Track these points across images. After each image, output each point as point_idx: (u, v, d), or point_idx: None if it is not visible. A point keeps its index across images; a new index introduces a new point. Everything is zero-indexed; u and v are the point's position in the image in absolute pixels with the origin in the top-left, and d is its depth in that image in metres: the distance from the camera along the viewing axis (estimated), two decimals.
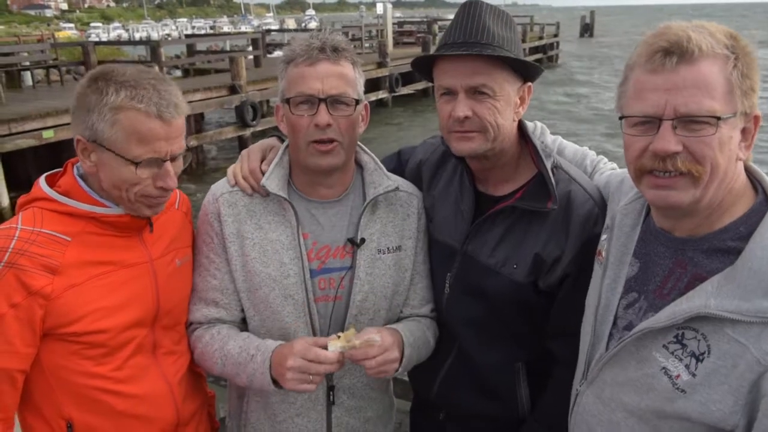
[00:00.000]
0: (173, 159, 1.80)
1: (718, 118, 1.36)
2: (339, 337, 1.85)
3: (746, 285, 1.37)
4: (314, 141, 1.90)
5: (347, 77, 1.92)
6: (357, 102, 1.95)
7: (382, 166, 2.13)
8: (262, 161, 2.10)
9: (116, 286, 1.81)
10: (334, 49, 1.89)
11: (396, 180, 2.12)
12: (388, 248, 2.08)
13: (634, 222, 1.71)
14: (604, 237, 1.80)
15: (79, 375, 1.79)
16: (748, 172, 1.52)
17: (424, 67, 1.99)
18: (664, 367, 1.49)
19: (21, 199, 1.83)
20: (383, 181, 2.08)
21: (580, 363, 1.80)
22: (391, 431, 2.37)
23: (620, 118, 1.52)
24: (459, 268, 2.09)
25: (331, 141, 1.91)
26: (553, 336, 2.04)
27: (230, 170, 2.11)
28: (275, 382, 1.90)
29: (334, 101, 1.89)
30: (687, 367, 1.45)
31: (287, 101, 1.92)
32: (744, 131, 1.44)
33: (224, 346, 1.99)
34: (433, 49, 1.94)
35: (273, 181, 1.98)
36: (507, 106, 1.88)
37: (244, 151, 2.16)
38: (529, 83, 1.95)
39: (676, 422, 1.49)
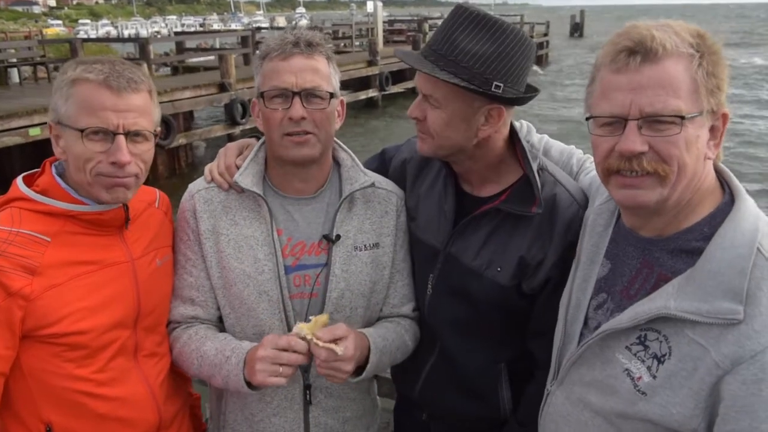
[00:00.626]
0: (130, 135, 1.74)
1: (683, 118, 1.36)
2: (309, 320, 1.84)
3: (705, 286, 1.36)
4: (288, 134, 1.91)
5: (321, 71, 1.93)
6: (332, 96, 1.95)
7: (359, 162, 2.13)
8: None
9: (97, 286, 1.78)
10: (308, 44, 1.90)
11: (372, 176, 2.11)
12: (365, 245, 2.07)
13: (607, 222, 1.71)
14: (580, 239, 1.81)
15: (59, 377, 1.76)
16: (717, 171, 1.52)
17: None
18: (626, 369, 1.49)
19: None
20: (360, 177, 2.07)
21: (552, 363, 1.81)
22: None
23: (587, 119, 1.51)
24: (441, 269, 2.08)
25: (306, 133, 1.91)
26: (532, 337, 2.05)
27: (207, 167, 2.12)
28: (250, 385, 1.89)
29: (308, 95, 1.89)
30: (648, 368, 1.44)
31: (262, 95, 1.93)
32: (712, 130, 1.43)
33: (201, 347, 1.98)
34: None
35: (247, 177, 1.98)
36: (457, 119, 1.86)
37: (221, 149, 2.17)
38: (499, 106, 1.85)
39: (639, 424, 1.48)
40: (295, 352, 1.80)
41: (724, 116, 1.43)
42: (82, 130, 1.69)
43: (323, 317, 1.86)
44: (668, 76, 1.36)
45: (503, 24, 1.81)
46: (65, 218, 1.76)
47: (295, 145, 1.92)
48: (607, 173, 1.48)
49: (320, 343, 1.79)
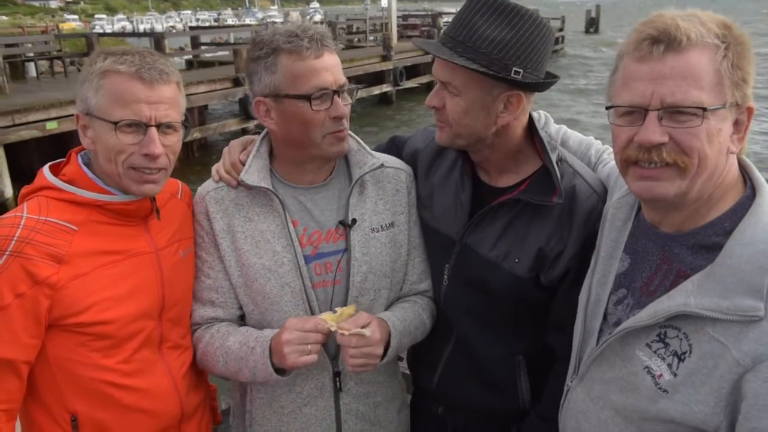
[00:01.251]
0: (161, 127, 1.76)
1: (705, 109, 1.33)
2: (336, 312, 1.86)
3: (725, 282, 1.34)
4: (330, 133, 1.92)
5: (340, 65, 1.94)
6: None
7: (365, 145, 2.13)
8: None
9: (122, 276, 1.79)
10: (324, 39, 1.89)
11: (380, 157, 2.11)
12: (381, 226, 2.08)
13: (626, 216, 1.69)
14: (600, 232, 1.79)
15: (85, 367, 1.77)
16: (740, 165, 1.49)
17: None
18: (647, 366, 1.47)
19: (24, 190, 1.81)
20: (368, 159, 2.07)
21: (573, 358, 1.79)
22: (405, 416, 2.35)
23: (607, 108, 1.49)
24: (457, 259, 2.07)
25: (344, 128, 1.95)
26: (552, 330, 2.04)
27: (214, 168, 2.12)
28: (278, 371, 1.90)
29: (342, 91, 1.92)
30: (669, 366, 1.43)
31: (306, 97, 1.85)
32: (736, 123, 1.40)
33: (224, 343, 1.99)
34: None
35: (252, 174, 1.98)
36: (476, 107, 1.85)
37: (225, 148, 2.16)
38: (518, 92, 1.84)
39: (659, 425, 1.47)
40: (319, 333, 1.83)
41: (750, 110, 1.40)
42: (115, 123, 1.70)
43: (349, 309, 1.88)
44: (691, 67, 1.34)
45: (521, 9, 1.79)
46: (92, 208, 1.77)
47: (339, 142, 1.95)
48: (626, 164, 1.47)
49: (346, 332, 1.81)
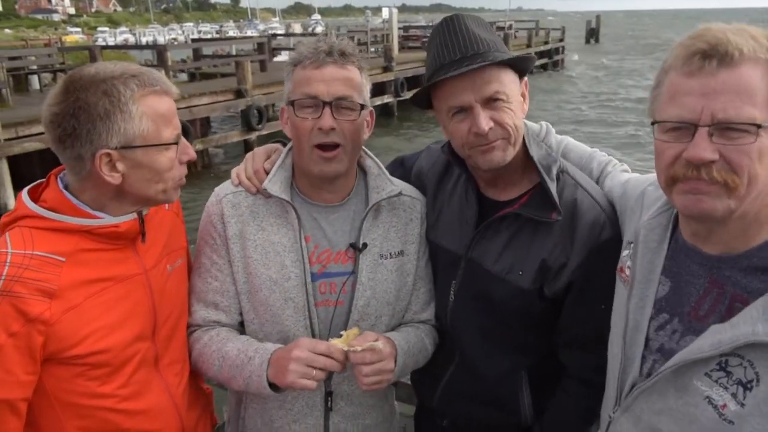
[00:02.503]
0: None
1: (759, 126, 1.28)
2: (341, 336, 1.85)
3: None
4: (317, 145, 1.89)
5: (353, 81, 1.91)
6: (362, 107, 1.94)
7: (385, 170, 2.11)
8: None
9: (114, 302, 1.75)
10: (342, 53, 1.88)
11: (399, 185, 2.10)
12: (390, 253, 2.07)
13: (661, 237, 1.61)
14: (625, 253, 1.72)
15: (84, 396, 1.73)
16: None
17: (423, 97, 1.96)
18: (707, 397, 1.39)
19: (5, 218, 1.72)
20: (386, 185, 2.06)
21: (611, 387, 1.71)
22: None
23: (652, 123, 1.43)
24: (464, 275, 2.06)
25: (335, 146, 1.90)
26: (565, 346, 2.01)
27: (234, 171, 2.11)
28: (272, 386, 1.88)
29: (338, 105, 1.88)
30: (734, 396, 1.35)
31: (292, 103, 1.91)
32: None
33: (222, 347, 1.97)
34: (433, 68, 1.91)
35: (275, 184, 1.98)
36: (518, 106, 1.88)
37: (248, 153, 2.16)
38: (525, 78, 1.95)
39: None
40: (331, 358, 1.81)
41: None
42: (172, 143, 1.74)
43: (354, 330, 1.87)
44: (744, 82, 1.29)
45: (479, 17, 1.96)
46: (79, 234, 1.70)
47: (325, 161, 1.91)
48: (672, 182, 1.40)
49: (359, 348, 1.80)
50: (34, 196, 1.74)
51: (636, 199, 1.81)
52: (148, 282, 1.85)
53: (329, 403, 2.06)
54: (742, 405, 1.34)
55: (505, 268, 1.97)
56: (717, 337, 1.36)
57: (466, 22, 1.86)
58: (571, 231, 1.91)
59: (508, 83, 1.84)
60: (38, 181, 1.80)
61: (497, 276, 1.98)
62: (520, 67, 1.88)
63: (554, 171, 1.93)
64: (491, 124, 1.82)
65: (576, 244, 1.90)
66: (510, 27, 46.78)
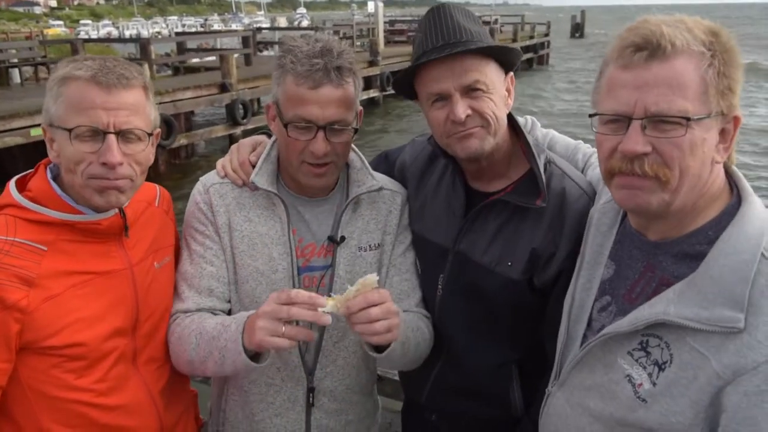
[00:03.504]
0: (122, 134, 1.67)
1: (689, 119, 1.30)
2: (331, 296, 1.72)
3: (706, 292, 1.31)
4: (308, 162, 1.89)
5: (348, 100, 1.87)
6: (355, 129, 1.94)
7: (367, 165, 2.12)
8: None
9: (95, 295, 1.73)
10: (338, 70, 1.83)
11: (381, 179, 2.11)
12: (369, 246, 2.07)
13: (612, 222, 1.66)
14: (585, 236, 1.77)
15: (59, 389, 1.70)
16: (728, 174, 1.46)
17: (405, 84, 1.96)
18: (628, 375, 1.44)
19: None
20: (367, 180, 2.07)
21: (555, 363, 1.76)
22: None
23: (590, 116, 1.46)
24: (451, 268, 2.06)
25: (326, 164, 1.91)
26: (552, 336, 2.01)
27: (219, 162, 2.10)
28: (253, 358, 1.78)
29: (332, 128, 1.86)
30: (649, 375, 1.40)
31: (285, 124, 1.87)
32: (723, 132, 1.37)
33: (201, 324, 1.90)
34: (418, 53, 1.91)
35: (263, 176, 1.97)
36: (500, 98, 1.88)
37: (234, 145, 2.15)
38: (511, 73, 1.94)
39: (637, 431, 1.44)
40: (299, 305, 1.65)
41: (736, 119, 1.37)
42: (70, 130, 1.62)
43: (347, 292, 1.69)
44: (676, 75, 1.31)
45: (466, 8, 1.98)
46: (61, 226, 1.68)
47: (314, 176, 1.92)
48: (610, 175, 1.44)
49: (353, 290, 1.66)
50: (22, 185, 1.74)
51: (602, 185, 1.85)
52: (133, 277, 1.83)
53: (311, 399, 2.05)
54: (654, 384, 1.38)
55: (493, 260, 1.98)
56: (636, 314, 1.42)
57: (452, 11, 1.87)
58: (560, 220, 1.92)
59: (490, 74, 1.84)
60: (30, 170, 1.79)
61: (486, 267, 1.98)
62: (503, 58, 1.89)
63: (542, 161, 1.94)
64: (468, 111, 1.82)
65: (565, 232, 1.92)
66: (496, 21, 46.84)
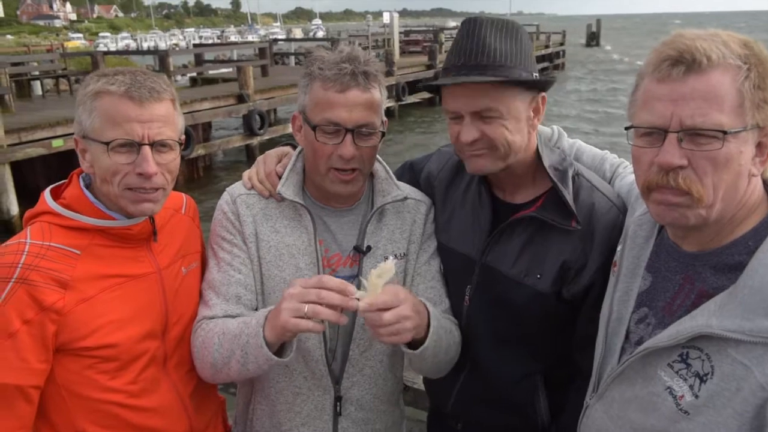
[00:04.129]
0: (155, 146, 1.74)
1: (725, 132, 1.30)
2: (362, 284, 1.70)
3: (748, 303, 1.31)
4: (336, 168, 1.90)
5: (374, 104, 1.89)
6: (383, 133, 1.95)
7: (392, 175, 2.12)
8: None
9: (126, 298, 1.79)
10: (365, 75, 1.85)
11: (405, 189, 2.11)
12: (396, 255, 2.06)
13: (648, 234, 1.66)
14: (619, 248, 1.76)
15: (93, 389, 1.77)
16: (766, 185, 1.46)
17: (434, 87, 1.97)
18: (669, 387, 1.44)
19: (27, 214, 1.81)
20: (392, 190, 2.08)
21: (593, 375, 1.76)
22: None
23: (626, 128, 1.47)
24: (479, 279, 2.05)
25: (353, 170, 1.91)
26: (581, 348, 2.00)
27: (246, 174, 2.11)
28: (277, 353, 1.77)
29: (360, 132, 1.88)
30: (691, 387, 1.39)
31: (310, 123, 1.89)
32: (759, 146, 1.37)
33: (224, 324, 1.89)
34: (439, 60, 1.92)
35: (288, 187, 1.98)
36: (518, 122, 1.85)
37: (260, 157, 2.17)
38: (543, 94, 1.91)
39: None
40: (327, 289, 1.65)
41: None
42: (107, 143, 1.70)
43: (389, 264, 1.69)
44: (712, 89, 1.31)
45: (509, 20, 1.90)
46: (94, 232, 1.77)
47: (341, 183, 1.93)
48: (648, 189, 1.44)
49: (380, 283, 1.67)
50: (57, 194, 1.82)
51: (636, 196, 1.85)
52: (161, 282, 1.89)
53: (338, 408, 2.05)
54: (696, 396, 1.38)
55: (522, 272, 1.97)
56: (676, 328, 1.41)
57: (482, 28, 1.83)
58: (590, 233, 1.91)
59: (506, 100, 1.81)
60: (62, 181, 1.88)
61: (514, 280, 1.97)
62: (524, 86, 1.84)
63: (570, 174, 1.94)
64: (475, 135, 1.83)
65: (595, 246, 1.91)
66: None
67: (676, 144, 1.35)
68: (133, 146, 1.72)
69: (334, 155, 1.88)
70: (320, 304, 1.64)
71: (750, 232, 1.41)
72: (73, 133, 1.82)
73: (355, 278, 2.00)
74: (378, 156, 2.11)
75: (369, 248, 2.03)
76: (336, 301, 1.64)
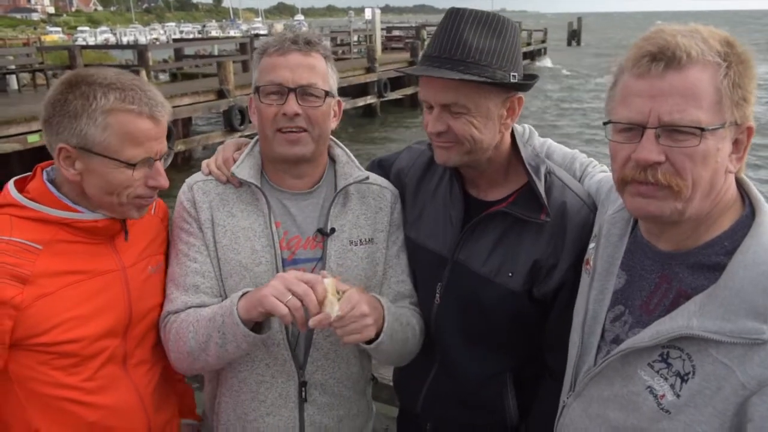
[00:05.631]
0: (161, 158, 1.82)
1: (703, 129, 1.30)
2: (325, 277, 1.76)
3: (728, 305, 1.32)
4: (280, 129, 1.92)
5: (317, 68, 1.95)
6: (327, 94, 1.96)
7: (353, 158, 2.14)
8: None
9: (88, 295, 1.77)
10: (307, 42, 1.93)
11: (368, 172, 2.13)
12: (360, 240, 2.07)
13: (622, 232, 1.66)
14: (591, 246, 1.77)
15: (48, 386, 1.74)
16: (738, 184, 1.47)
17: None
18: (649, 386, 1.45)
19: None
20: (354, 171, 2.09)
21: (568, 374, 1.76)
22: None
23: (605, 124, 1.47)
24: (450, 277, 2.04)
25: (300, 130, 1.93)
26: (550, 348, 2.00)
27: (204, 162, 2.13)
28: (253, 328, 1.81)
29: (303, 92, 1.91)
30: (672, 387, 1.41)
31: (257, 90, 1.94)
32: (736, 143, 1.38)
33: (198, 313, 1.91)
34: (420, 55, 1.93)
35: (244, 169, 2.00)
36: (487, 120, 1.85)
37: (219, 146, 2.19)
38: (519, 94, 1.90)
39: None
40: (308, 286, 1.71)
41: (749, 129, 1.38)
42: (132, 164, 1.73)
43: (328, 281, 1.75)
44: (691, 85, 1.31)
45: (500, 17, 1.86)
46: (58, 226, 1.75)
47: (287, 143, 1.94)
48: (623, 183, 1.44)
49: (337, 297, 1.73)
50: (21, 187, 1.80)
51: (606, 194, 1.86)
52: (126, 280, 1.87)
53: (303, 394, 2.04)
54: (678, 396, 1.39)
55: (493, 270, 1.96)
56: (657, 328, 1.42)
57: (462, 20, 1.81)
58: (561, 231, 1.91)
59: (475, 97, 1.81)
60: (26, 174, 1.85)
61: (486, 278, 1.97)
62: (497, 85, 1.82)
63: (542, 171, 1.94)
64: (440, 128, 1.84)
65: (567, 244, 1.91)
66: None
67: (654, 140, 1.35)
68: (149, 161, 1.78)
69: (278, 115, 1.91)
70: (302, 301, 1.70)
71: (726, 233, 1.42)
72: None
73: (319, 261, 2.00)
74: (338, 141, 2.14)
75: (333, 230, 2.02)
76: (313, 310, 1.70)
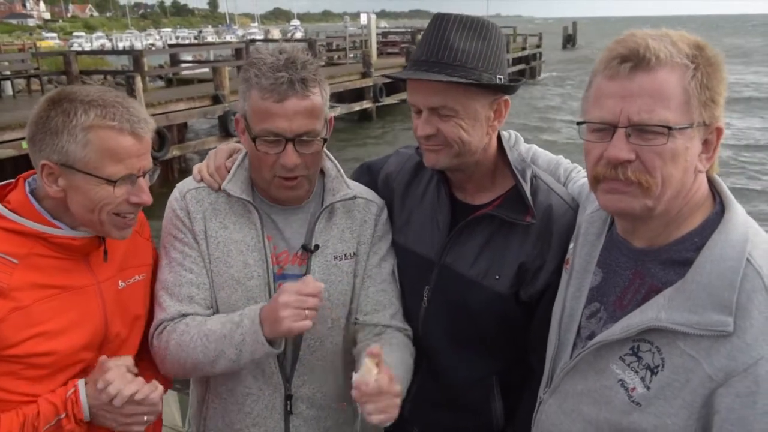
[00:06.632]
0: (144, 174, 1.79)
1: (670, 128, 1.35)
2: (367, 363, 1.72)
3: (695, 298, 1.37)
4: (280, 176, 1.90)
5: (315, 110, 1.87)
6: (324, 140, 1.94)
7: (343, 173, 2.13)
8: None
9: (63, 309, 1.75)
10: (303, 82, 1.82)
11: (356, 188, 2.11)
12: (345, 255, 2.07)
13: (599, 230, 1.71)
14: (571, 245, 1.80)
15: (12, 395, 1.70)
16: (711, 183, 1.52)
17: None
18: (621, 380, 1.49)
19: None
20: (342, 188, 2.07)
21: (546, 371, 1.79)
22: None
23: (578, 124, 1.52)
24: (437, 281, 2.05)
25: (297, 177, 1.92)
26: (534, 349, 2.01)
27: (196, 167, 2.11)
28: (270, 343, 1.83)
29: (301, 140, 1.87)
30: (642, 379, 1.45)
31: (254, 138, 1.88)
32: (705, 143, 1.43)
33: (202, 327, 1.90)
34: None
35: (235, 184, 1.98)
36: (475, 122, 1.86)
37: (211, 151, 2.16)
38: (506, 97, 1.91)
39: None
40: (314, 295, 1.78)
41: (719, 130, 1.43)
42: (113, 181, 1.70)
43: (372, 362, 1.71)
44: (659, 86, 1.36)
45: (485, 21, 1.88)
46: (35, 239, 1.73)
47: (286, 189, 1.94)
48: (596, 180, 1.49)
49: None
50: (1, 195, 1.79)
51: (587, 196, 1.90)
52: (101, 294, 1.85)
53: (289, 406, 2.04)
54: (648, 388, 1.43)
55: (480, 273, 1.97)
56: (627, 321, 1.46)
57: (450, 25, 1.83)
58: (547, 234, 1.93)
59: (463, 99, 1.82)
60: (7, 182, 1.84)
61: (473, 281, 1.98)
62: (484, 88, 1.84)
63: (528, 175, 1.95)
64: (429, 131, 1.85)
65: (552, 246, 1.93)
66: None
67: (624, 139, 1.39)
68: (132, 178, 1.76)
69: (277, 164, 1.88)
70: (315, 309, 1.78)
71: (696, 230, 1.46)
72: None
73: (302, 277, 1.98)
74: (329, 154, 2.12)
75: (317, 247, 2.02)
76: (317, 305, 1.79)
